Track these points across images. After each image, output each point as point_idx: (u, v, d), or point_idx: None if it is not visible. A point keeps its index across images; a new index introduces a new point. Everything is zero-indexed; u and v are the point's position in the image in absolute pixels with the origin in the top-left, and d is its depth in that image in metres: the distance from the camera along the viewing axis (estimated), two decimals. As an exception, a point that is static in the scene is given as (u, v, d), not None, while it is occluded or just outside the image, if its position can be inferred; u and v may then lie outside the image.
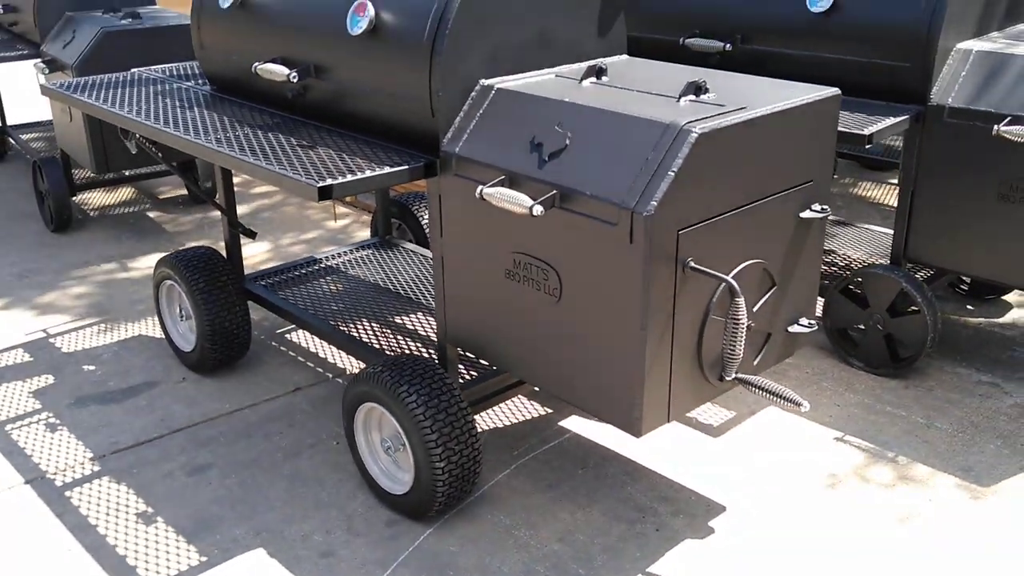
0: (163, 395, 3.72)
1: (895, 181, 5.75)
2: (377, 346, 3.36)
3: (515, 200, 2.40)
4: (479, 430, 3.32)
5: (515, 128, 2.58)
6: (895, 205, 3.65)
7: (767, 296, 2.63)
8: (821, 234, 2.77)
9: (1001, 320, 4.15)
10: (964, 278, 4.30)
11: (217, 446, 3.36)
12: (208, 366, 3.78)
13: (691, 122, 2.28)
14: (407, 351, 3.34)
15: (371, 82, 2.85)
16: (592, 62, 2.89)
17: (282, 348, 4.07)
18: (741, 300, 2.34)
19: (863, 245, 4.29)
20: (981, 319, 4.16)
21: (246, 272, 3.98)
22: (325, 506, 3.02)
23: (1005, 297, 4.32)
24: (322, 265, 4.12)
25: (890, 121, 3.33)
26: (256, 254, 5.11)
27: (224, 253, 3.87)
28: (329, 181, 2.52)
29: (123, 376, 3.87)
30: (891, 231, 4.33)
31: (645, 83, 2.68)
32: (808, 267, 2.76)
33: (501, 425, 3.45)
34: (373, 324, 3.54)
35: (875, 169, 5.96)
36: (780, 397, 2.48)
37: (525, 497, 3.04)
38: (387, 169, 2.64)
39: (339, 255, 4.22)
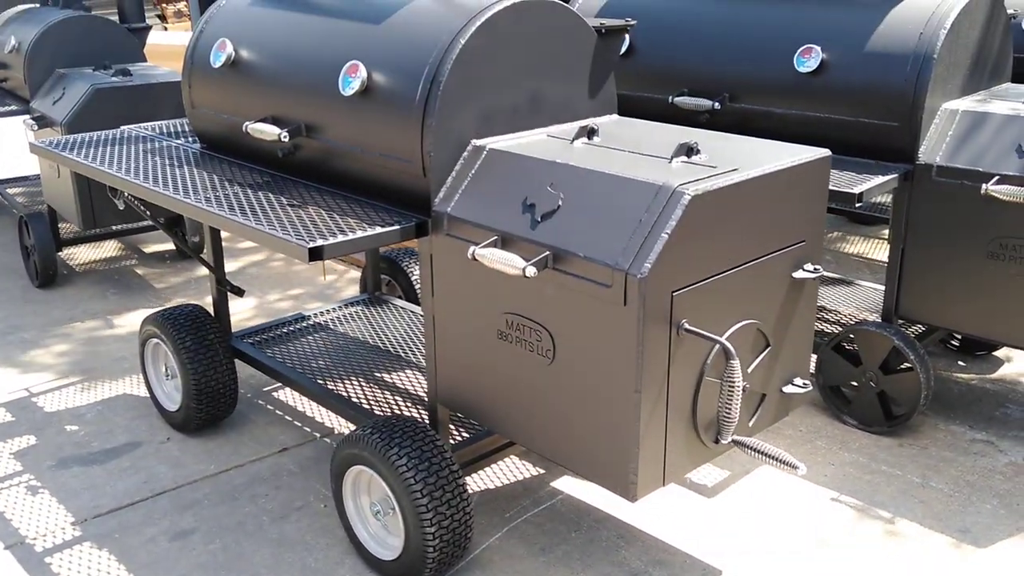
0: (147, 456, 3.65)
1: (883, 236, 5.77)
2: (367, 406, 3.32)
3: (508, 261, 2.38)
4: (470, 492, 3.27)
5: (507, 189, 2.57)
6: (884, 260, 3.65)
7: (761, 357, 2.61)
8: (814, 294, 2.76)
9: (992, 376, 4.14)
10: (955, 334, 4.29)
11: (201, 509, 3.29)
12: (193, 426, 3.72)
13: (684, 184, 2.28)
14: (397, 411, 3.29)
15: (362, 142, 2.84)
16: (583, 122, 2.90)
17: (269, 407, 4.01)
18: (736, 363, 2.31)
19: (854, 301, 4.28)
20: (973, 375, 4.15)
21: (233, 330, 3.94)
22: (312, 573, 2.95)
23: (996, 353, 4.32)
24: (310, 322, 4.09)
25: (879, 180, 3.34)
26: (243, 311, 5.07)
27: (211, 311, 3.83)
28: (319, 242, 2.50)
29: (106, 436, 3.80)
30: (881, 286, 4.34)
31: (636, 144, 2.68)
32: (802, 327, 2.74)
33: (492, 486, 3.39)
34: (362, 382, 3.50)
35: (863, 223, 5.99)
36: (777, 460, 2.45)
37: (518, 562, 2.98)
38: (378, 229, 2.62)
39: (328, 312, 4.18)
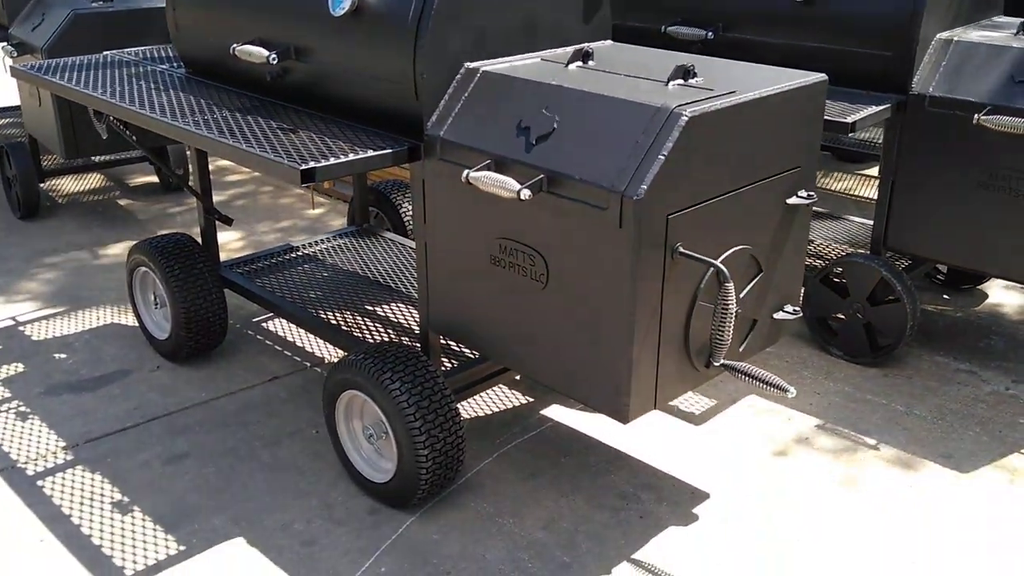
0: (137, 384, 3.65)
1: (870, 173, 5.78)
2: (358, 334, 3.32)
3: (502, 184, 2.37)
4: (462, 416, 3.30)
5: (501, 112, 2.55)
6: (871, 197, 3.67)
7: (754, 282, 2.62)
8: (807, 221, 2.77)
9: (976, 309, 4.18)
10: (940, 267, 4.33)
11: (194, 435, 3.31)
12: (183, 355, 3.72)
13: (681, 105, 2.26)
14: (389, 337, 3.30)
15: (353, 65, 2.80)
16: (578, 46, 2.87)
17: (259, 337, 4.01)
18: (730, 286, 2.32)
19: (842, 235, 4.30)
20: (957, 308, 4.19)
21: (221, 260, 3.92)
22: (305, 495, 2.98)
23: (980, 287, 4.36)
24: (299, 253, 4.07)
25: (872, 110, 3.33)
26: (230, 242, 5.04)
27: (199, 240, 3.81)
28: (312, 164, 2.47)
29: (95, 364, 3.79)
30: (869, 221, 4.36)
31: (632, 67, 2.66)
32: (794, 254, 2.76)
33: (483, 414, 3.42)
34: (352, 313, 3.50)
35: (849, 160, 5.98)
36: (767, 383, 2.47)
37: (508, 485, 3.01)
38: (370, 152, 2.60)
39: (316, 243, 4.16)
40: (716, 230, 2.44)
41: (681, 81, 2.48)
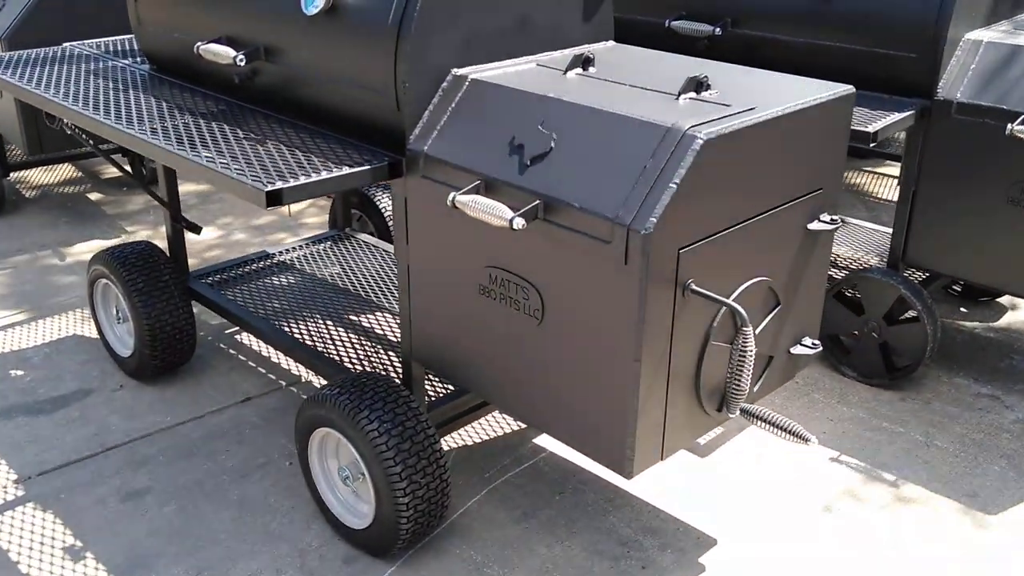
0: (98, 405, 3.38)
1: (878, 170, 5.52)
2: (335, 357, 3.06)
3: (492, 211, 2.10)
4: (447, 451, 3.04)
5: (492, 125, 2.27)
6: (882, 197, 3.40)
7: (771, 316, 2.37)
8: (828, 247, 2.51)
9: (996, 324, 3.94)
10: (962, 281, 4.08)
11: (156, 466, 3.04)
12: (148, 373, 3.45)
13: (696, 126, 1.99)
14: (368, 363, 3.03)
15: (328, 68, 2.52)
16: (577, 49, 2.60)
17: (231, 351, 3.75)
18: (749, 330, 2.06)
19: (856, 243, 4.05)
20: (976, 323, 3.95)
21: (191, 268, 3.65)
22: (276, 539, 2.72)
23: (1000, 300, 4.11)
24: (275, 261, 3.80)
25: (895, 117, 3.07)
26: (203, 241, 4.76)
27: (166, 249, 3.53)
28: (279, 184, 2.20)
29: (54, 383, 3.52)
30: (883, 228, 4.11)
31: (638, 76, 2.38)
32: (814, 283, 2.50)
33: (471, 443, 3.16)
34: (330, 329, 3.24)
35: (858, 157, 5.72)
36: (786, 431, 2.23)
37: (498, 528, 2.77)
38: (345, 170, 2.32)
39: (293, 250, 3.89)
40: (731, 262, 2.18)
41: (693, 94, 2.21)
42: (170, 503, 2.87)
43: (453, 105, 2.37)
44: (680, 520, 2.81)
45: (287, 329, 3.23)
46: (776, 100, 2.21)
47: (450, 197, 2.18)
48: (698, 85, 2.22)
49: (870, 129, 2.95)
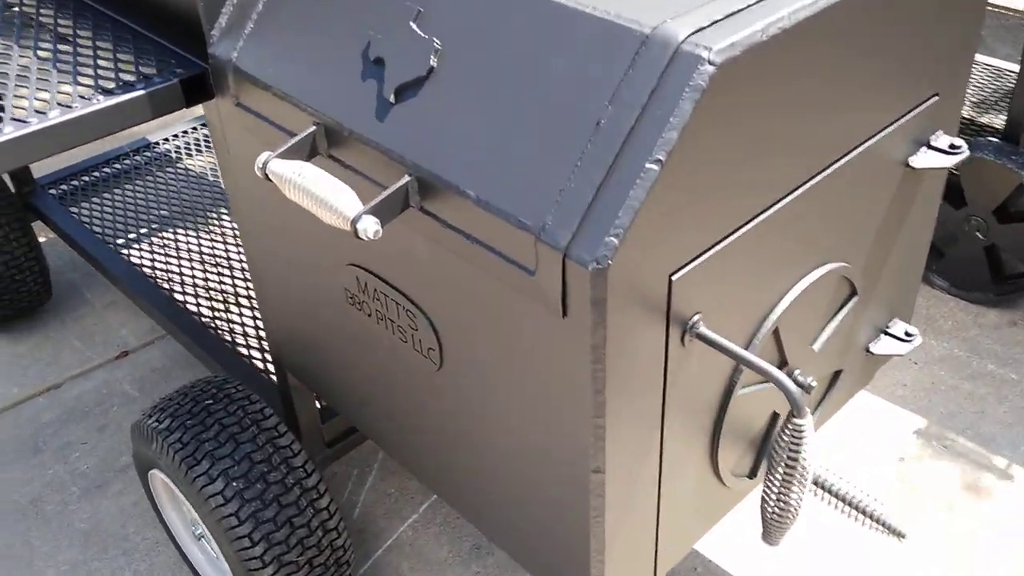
0: (-71, 370, 2.57)
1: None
2: (214, 328, 2.15)
3: (326, 199, 1.12)
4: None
5: (339, 16, 1.25)
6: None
7: (842, 313, 1.40)
8: (939, 188, 1.50)
9: None
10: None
11: (-14, 473, 2.26)
12: (-8, 322, 2.61)
13: (698, 31, 0.97)
14: (258, 345, 2.13)
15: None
16: None
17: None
18: (806, 423, 1.10)
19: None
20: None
21: (36, 175, 2.71)
22: (126, 600, 1.95)
23: None
24: (154, 154, 2.83)
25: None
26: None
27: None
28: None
29: None
30: (1008, 66, 2.99)
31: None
32: (912, 247, 1.51)
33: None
34: (220, 276, 2.32)
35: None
36: (872, 518, 1.33)
37: (438, 568, 1.96)
38: (100, 101, 1.34)
39: (182, 135, 2.90)
40: (774, 262, 1.21)
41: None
42: (-8, 538, 2.10)
43: (278, -28, 1.33)
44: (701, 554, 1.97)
45: (149, 270, 2.32)
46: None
47: (260, 160, 1.20)
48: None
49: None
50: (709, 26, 0.97)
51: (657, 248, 1.00)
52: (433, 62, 1.12)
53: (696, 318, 1.11)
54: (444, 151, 1.09)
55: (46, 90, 1.37)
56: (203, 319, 2.15)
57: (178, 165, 2.75)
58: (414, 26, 1.15)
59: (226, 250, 2.38)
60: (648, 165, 0.95)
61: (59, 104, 1.32)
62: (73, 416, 2.39)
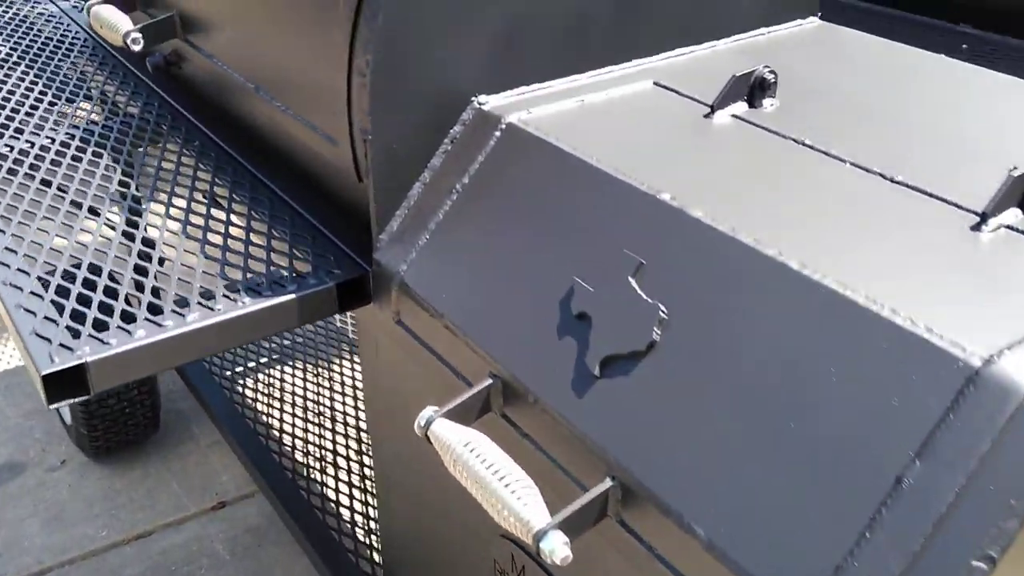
0: (22, 495, 2.41)
1: None
2: (301, 484, 1.91)
3: (505, 499, 0.88)
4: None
5: (540, 244, 1.04)
6: None
7: None
8: None
9: None
10: None
11: (55, 634, 2.06)
12: (89, 451, 2.45)
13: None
14: (341, 520, 1.88)
15: (264, 75, 1.33)
16: (738, 41, 1.29)
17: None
18: None
19: None
20: None
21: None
22: None
23: None
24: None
25: None
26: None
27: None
28: (79, 356, 1.06)
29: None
30: None
31: (889, 135, 1.06)
32: None
33: None
34: (315, 421, 2.11)
35: None
36: None
37: None
38: (248, 304, 1.15)
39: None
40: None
41: (1025, 218, 0.89)
42: None
43: (466, 180, 1.13)
44: None
45: (251, 417, 2.12)
46: None
47: (422, 418, 0.97)
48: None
49: None
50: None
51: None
52: (656, 335, 0.89)
53: None
54: (662, 458, 0.84)
55: (188, 281, 1.18)
56: (297, 479, 1.93)
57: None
58: (633, 283, 0.92)
59: (331, 400, 2.19)
60: (975, 563, 0.68)
61: (199, 304, 1.13)
62: (158, 574, 2.18)
